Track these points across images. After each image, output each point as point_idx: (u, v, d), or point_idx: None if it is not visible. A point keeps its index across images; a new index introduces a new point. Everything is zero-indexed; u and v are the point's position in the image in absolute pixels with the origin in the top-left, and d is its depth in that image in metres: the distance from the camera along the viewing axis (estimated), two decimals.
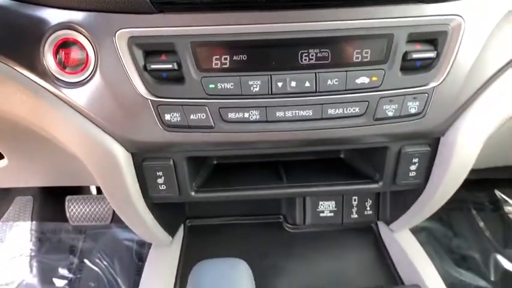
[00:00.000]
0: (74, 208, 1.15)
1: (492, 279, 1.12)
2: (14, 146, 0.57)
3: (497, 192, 1.30)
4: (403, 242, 0.59)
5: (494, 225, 1.25)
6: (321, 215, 0.58)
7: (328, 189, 0.49)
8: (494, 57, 0.41)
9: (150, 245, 1.23)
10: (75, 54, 0.40)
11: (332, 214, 0.59)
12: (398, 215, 0.58)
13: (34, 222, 1.26)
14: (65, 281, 1.17)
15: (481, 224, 1.25)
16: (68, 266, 1.20)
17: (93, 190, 1.25)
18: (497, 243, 1.20)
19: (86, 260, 1.21)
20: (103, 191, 0.49)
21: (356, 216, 0.59)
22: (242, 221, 0.66)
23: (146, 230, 0.54)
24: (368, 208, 0.58)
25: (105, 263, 1.21)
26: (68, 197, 1.16)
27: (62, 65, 0.40)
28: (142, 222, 0.51)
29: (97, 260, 1.22)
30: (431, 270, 0.55)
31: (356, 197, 0.57)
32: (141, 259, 1.22)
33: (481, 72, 0.41)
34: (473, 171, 0.48)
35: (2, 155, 0.61)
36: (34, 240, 1.24)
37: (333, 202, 0.57)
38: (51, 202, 1.20)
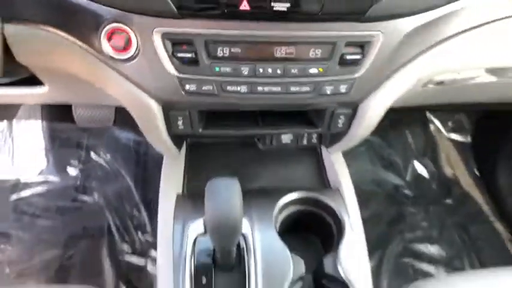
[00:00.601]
0: (80, 112, 1.24)
1: (407, 179, 1.51)
2: (58, 81, 0.77)
3: (428, 114, 1.62)
4: (334, 159, 0.88)
5: (419, 139, 1.59)
6: (283, 141, 0.85)
7: (288, 130, 0.75)
8: (397, 60, 0.64)
9: (146, 143, 1.50)
10: (123, 39, 0.59)
11: (290, 141, 0.86)
12: (332, 144, 0.86)
13: (44, 122, 1.48)
14: (77, 170, 1.45)
15: (409, 137, 1.59)
16: (77, 158, 1.47)
17: None
18: (417, 153, 1.56)
19: (92, 154, 1.48)
20: (140, 126, 0.72)
21: (305, 142, 0.87)
22: (229, 141, 0.93)
23: (166, 148, 0.79)
24: (314, 139, 0.85)
25: (108, 155, 1.48)
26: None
27: (113, 47, 0.60)
28: (164, 144, 0.76)
29: (101, 153, 1.49)
30: (347, 179, 0.85)
31: (307, 133, 0.84)
32: (139, 154, 1.50)
33: (387, 69, 0.64)
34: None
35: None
36: (47, 137, 1.48)
37: (291, 135, 0.84)
38: (59, 107, 1.31)
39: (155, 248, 1.26)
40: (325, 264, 0.73)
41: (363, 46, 0.60)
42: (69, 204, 1.37)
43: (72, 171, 1.44)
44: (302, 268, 0.71)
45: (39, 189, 1.39)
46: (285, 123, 0.75)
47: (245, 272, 0.69)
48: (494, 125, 1.49)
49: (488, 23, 0.66)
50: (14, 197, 1.37)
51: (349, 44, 0.60)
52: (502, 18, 0.66)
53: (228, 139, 0.85)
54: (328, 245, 0.80)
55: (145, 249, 1.27)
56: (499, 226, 1.42)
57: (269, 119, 0.76)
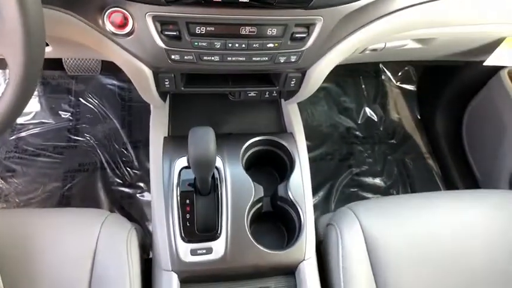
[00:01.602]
0: (70, 62, 1.29)
1: (359, 122, 1.75)
2: (62, 45, 0.92)
3: (380, 65, 1.83)
4: (290, 108, 1.10)
5: (371, 87, 1.81)
6: (249, 94, 1.05)
7: (252, 88, 0.95)
8: (335, 37, 0.83)
9: (129, 89, 1.66)
10: (122, 19, 0.75)
11: (255, 95, 1.06)
12: (289, 97, 1.07)
13: None
14: (68, 113, 1.61)
15: (363, 86, 1.81)
16: (68, 103, 1.63)
17: None
18: (369, 99, 1.79)
19: (80, 99, 1.64)
20: (135, 85, 0.90)
21: (268, 96, 1.07)
22: (205, 94, 1.12)
23: (154, 101, 0.98)
24: (274, 93, 1.05)
25: (96, 100, 1.63)
26: None
27: (113, 25, 0.76)
28: (153, 98, 0.95)
29: (89, 99, 1.64)
30: (300, 125, 1.07)
31: (268, 91, 1.03)
32: (124, 99, 1.66)
33: (328, 43, 0.83)
34: None
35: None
36: (39, 83, 1.61)
37: (256, 92, 1.04)
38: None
39: (142, 180, 1.50)
40: (279, 189, 0.97)
41: (308, 26, 0.79)
42: (64, 144, 1.55)
43: (64, 114, 1.60)
44: (261, 192, 0.95)
45: (36, 130, 1.56)
46: (250, 82, 0.95)
47: (218, 195, 0.93)
48: (435, 77, 1.71)
49: (409, 6, 0.85)
50: (13, 136, 1.54)
51: (297, 25, 0.77)
52: (417, 4, 0.85)
53: (204, 92, 1.04)
54: (282, 177, 1.04)
55: (134, 181, 1.50)
56: (431, 162, 1.71)
57: (237, 79, 0.95)
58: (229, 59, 0.80)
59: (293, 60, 0.82)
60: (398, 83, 1.83)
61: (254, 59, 0.80)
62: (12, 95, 0.57)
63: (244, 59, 0.80)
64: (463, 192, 1.13)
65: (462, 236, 0.93)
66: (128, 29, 0.74)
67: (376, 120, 1.75)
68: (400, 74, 1.83)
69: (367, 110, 1.76)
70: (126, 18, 0.73)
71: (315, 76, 0.89)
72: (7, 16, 0.51)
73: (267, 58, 0.81)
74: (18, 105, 0.58)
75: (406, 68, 1.82)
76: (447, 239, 0.92)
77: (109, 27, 0.73)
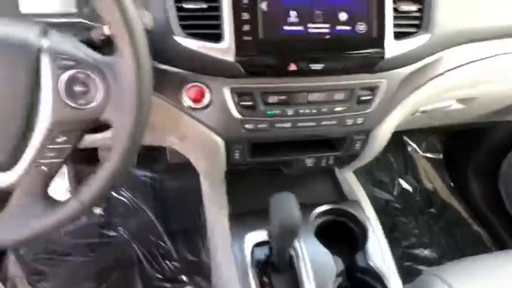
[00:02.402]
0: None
1: (395, 194, 1.73)
2: None
3: (404, 138, 1.88)
4: (347, 176, 1.08)
5: (399, 159, 1.83)
6: (307, 164, 1.04)
7: (313, 154, 0.94)
8: (397, 97, 0.85)
9: (161, 180, 1.63)
10: (199, 93, 0.76)
11: (312, 164, 1.04)
12: (346, 164, 1.05)
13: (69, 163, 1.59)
14: (99, 208, 1.54)
15: (392, 158, 1.82)
16: None
17: None
18: (400, 171, 1.79)
19: (111, 192, 1.60)
20: (203, 159, 0.88)
21: (325, 164, 1.05)
22: (258, 167, 1.10)
23: (218, 175, 0.95)
24: (331, 161, 1.04)
25: (127, 193, 1.59)
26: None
27: (191, 99, 0.77)
28: (219, 171, 0.92)
29: (120, 192, 1.60)
30: (362, 192, 1.04)
31: (329, 157, 1.02)
32: (156, 189, 1.62)
33: (390, 104, 0.85)
34: None
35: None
36: (71, 179, 1.58)
37: (313, 159, 1.02)
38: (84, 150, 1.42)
39: (183, 273, 1.39)
40: (357, 259, 0.90)
41: (372, 89, 0.81)
42: (96, 241, 1.46)
43: (96, 209, 1.54)
44: (341, 265, 0.88)
45: (66, 229, 1.48)
46: (310, 149, 0.94)
47: (297, 271, 0.85)
48: (460, 143, 1.75)
49: (458, 67, 0.89)
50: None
51: (363, 88, 0.80)
52: (467, 63, 0.90)
53: (257, 166, 1.02)
54: (353, 246, 0.98)
55: (175, 275, 1.39)
56: (476, 227, 1.66)
57: (299, 147, 0.94)
58: (300, 124, 0.80)
59: (359, 122, 0.83)
60: (425, 153, 1.85)
61: (323, 123, 0.81)
62: (118, 161, 0.54)
63: (314, 124, 0.81)
64: None
65: None
66: (205, 102, 0.75)
67: (411, 191, 1.73)
68: (424, 144, 1.87)
69: (401, 181, 1.75)
70: (202, 92, 0.74)
71: (379, 137, 0.90)
72: (125, 81, 0.51)
73: (335, 122, 0.81)
74: (121, 171, 0.55)
75: (429, 138, 1.86)
76: None
77: (187, 102, 0.74)
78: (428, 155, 1.86)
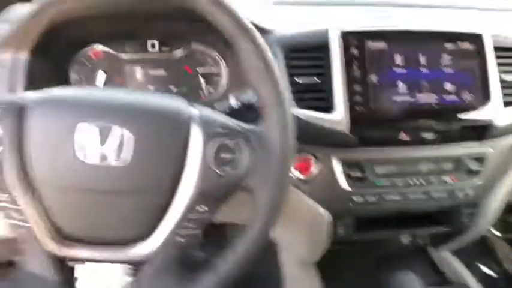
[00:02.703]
0: None
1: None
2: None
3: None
4: (447, 257, 1.00)
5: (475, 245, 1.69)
6: (403, 243, 0.97)
7: (420, 230, 0.89)
8: (506, 165, 0.82)
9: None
10: (305, 164, 0.76)
11: (408, 242, 0.98)
12: (445, 243, 0.99)
13: None
14: None
15: None
16: None
17: None
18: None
19: None
20: (304, 237, 0.84)
21: (421, 242, 0.99)
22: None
23: (317, 254, 0.90)
24: (427, 239, 0.98)
25: None
26: None
27: (298, 171, 0.76)
28: (318, 249, 0.88)
29: None
30: (468, 274, 0.95)
31: (425, 236, 0.97)
32: None
33: (499, 173, 0.83)
34: None
35: None
36: None
37: (409, 236, 0.97)
38: None
39: None
40: None
41: (481, 159, 0.79)
42: None
43: None
44: None
45: None
46: (413, 224, 0.90)
47: None
48: None
49: None
50: None
51: (471, 158, 0.78)
52: None
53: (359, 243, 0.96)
54: None
55: None
56: None
57: (399, 222, 0.90)
58: (410, 197, 0.77)
59: (470, 193, 0.79)
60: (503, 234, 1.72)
61: (433, 195, 0.78)
62: (259, 231, 0.52)
63: (424, 196, 0.78)
64: None
65: None
66: (313, 173, 0.74)
67: (496, 277, 1.57)
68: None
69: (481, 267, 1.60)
70: (308, 162, 0.73)
71: (490, 209, 0.85)
72: (271, 150, 0.52)
73: (446, 194, 0.78)
74: (261, 241, 0.53)
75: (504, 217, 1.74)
76: None
77: (295, 173, 0.73)
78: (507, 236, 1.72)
